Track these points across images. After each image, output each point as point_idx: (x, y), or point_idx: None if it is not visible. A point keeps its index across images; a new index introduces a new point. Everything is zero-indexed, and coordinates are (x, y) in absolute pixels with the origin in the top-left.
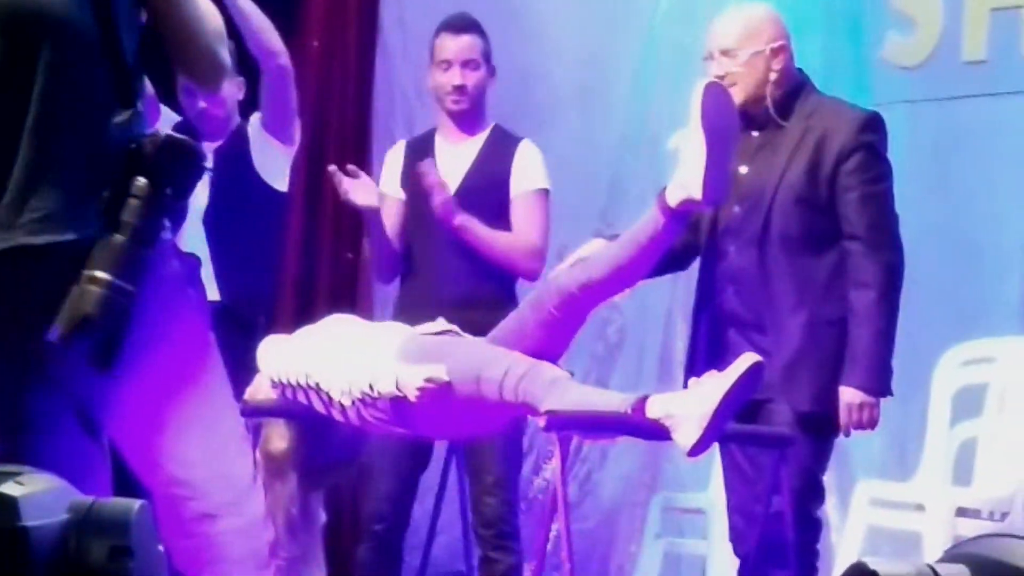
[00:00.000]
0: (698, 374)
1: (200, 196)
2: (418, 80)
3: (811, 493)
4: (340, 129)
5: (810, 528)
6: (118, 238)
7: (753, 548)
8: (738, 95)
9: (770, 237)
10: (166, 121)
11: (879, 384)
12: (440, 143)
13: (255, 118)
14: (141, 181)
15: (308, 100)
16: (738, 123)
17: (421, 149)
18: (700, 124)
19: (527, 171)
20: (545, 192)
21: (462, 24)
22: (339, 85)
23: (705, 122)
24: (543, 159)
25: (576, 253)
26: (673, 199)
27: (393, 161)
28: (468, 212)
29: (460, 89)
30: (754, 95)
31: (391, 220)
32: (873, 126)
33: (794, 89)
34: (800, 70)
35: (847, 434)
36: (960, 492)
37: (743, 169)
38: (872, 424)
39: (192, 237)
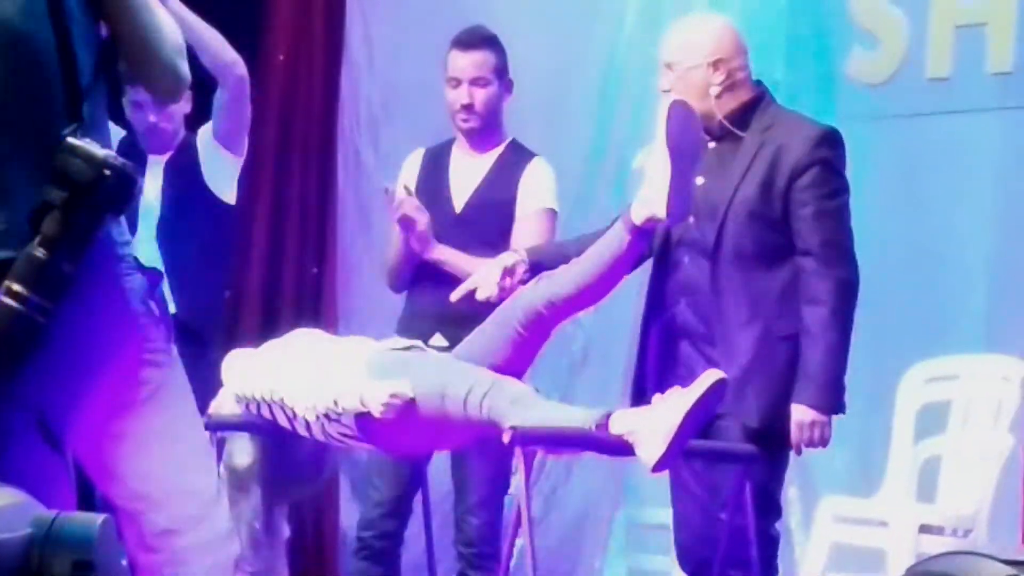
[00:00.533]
0: (647, 386)
1: (152, 210)
2: (384, 95)
3: (766, 509)
4: (305, 143)
5: (767, 544)
6: (36, 251)
7: (699, 563)
8: None
9: (723, 250)
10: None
11: (830, 401)
12: (456, 155)
13: (205, 129)
14: (58, 193)
15: (273, 113)
16: (702, 141)
17: (438, 159)
18: (665, 142)
19: (534, 190)
20: (551, 212)
21: (471, 40)
22: (304, 99)
23: (670, 140)
24: (554, 178)
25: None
26: (638, 217)
27: (410, 168)
28: (475, 228)
29: (468, 108)
30: (696, 108)
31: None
32: (830, 142)
33: (750, 101)
34: (759, 82)
35: (798, 452)
36: (924, 509)
37: (699, 180)
38: (823, 442)
39: (147, 251)
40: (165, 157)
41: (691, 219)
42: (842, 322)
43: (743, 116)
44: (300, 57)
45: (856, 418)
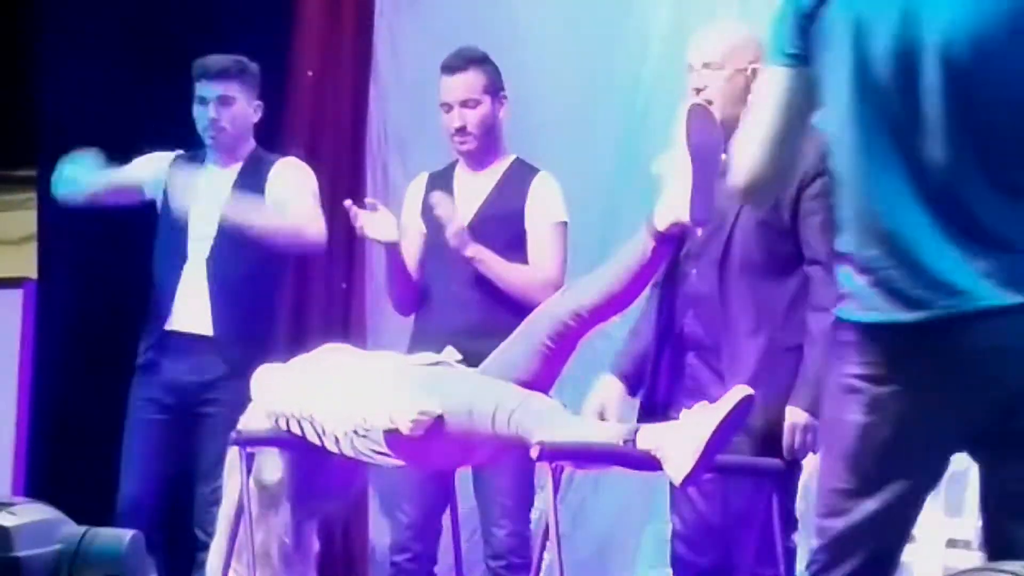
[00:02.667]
0: (659, 399)
1: (205, 234)
2: (412, 111)
3: (782, 522)
4: (334, 159)
5: (787, 557)
6: None
7: (697, 573)
8: (715, 112)
9: (731, 260)
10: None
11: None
12: (459, 175)
13: (288, 167)
14: None
15: (302, 130)
16: (723, 143)
17: (441, 181)
18: (686, 145)
19: (543, 204)
20: (563, 225)
21: (458, 63)
22: (333, 115)
23: (691, 144)
24: (560, 191)
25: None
26: (661, 222)
27: (414, 193)
28: (483, 242)
29: (461, 131)
30: (731, 114)
31: (412, 252)
32: None
33: None
34: None
35: (790, 455)
36: (951, 523)
37: None
38: (815, 447)
39: (193, 275)
40: (230, 170)
41: (699, 231)
42: None
43: None
44: (328, 73)
45: None
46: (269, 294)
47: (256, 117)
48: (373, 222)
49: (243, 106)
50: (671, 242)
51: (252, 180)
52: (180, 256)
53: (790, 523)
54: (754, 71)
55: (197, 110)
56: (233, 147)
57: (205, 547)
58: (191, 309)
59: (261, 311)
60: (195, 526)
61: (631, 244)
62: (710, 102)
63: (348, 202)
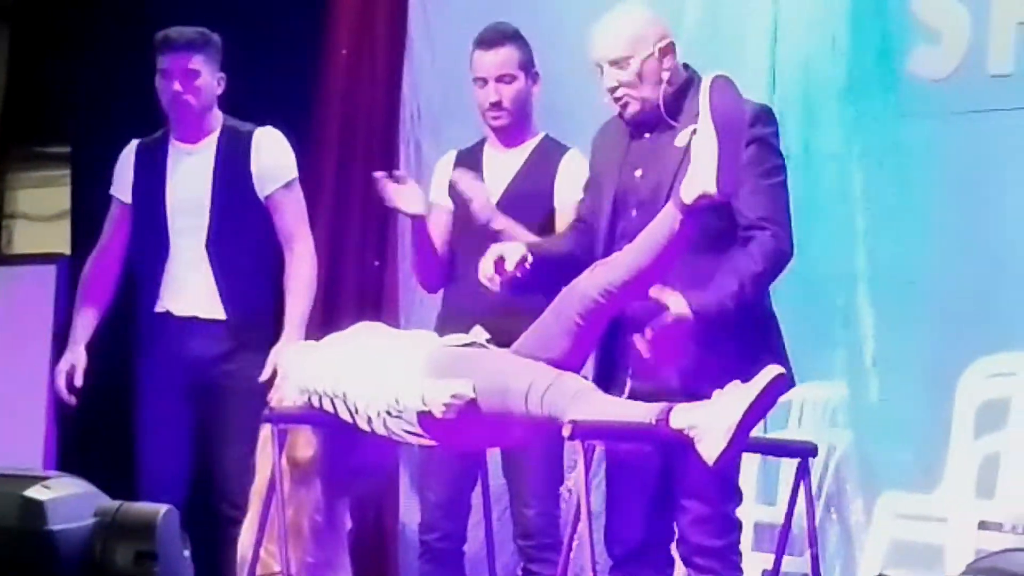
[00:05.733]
0: (604, 379)
1: (198, 222)
2: (445, 90)
3: (726, 494)
4: (367, 137)
5: (731, 530)
6: None
7: (633, 549)
8: (634, 106)
9: None
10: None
11: (708, 311)
12: (488, 152)
13: (264, 135)
14: None
15: (336, 108)
16: (747, 114)
17: (470, 159)
18: (710, 118)
19: (572, 181)
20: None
21: (493, 38)
22: (367, 93)
23: (715, 116)
24: None
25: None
26: (688, 196)
27: (443, 170)
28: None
29: (496, 105)
30: (651, 100)
31: (439, 229)
32: (764, 119)
33: (682, 87)
34: (686, 65)
35: (645, 340)
36: (983, 505)
37: (637, 173)
38: (671, 342)
39: (193, 261)
40: (202, 147)
41: (634, 212)
42: (762, 280)
43: (676, 103)
44: (363, 52)
45: (916, 414)
46: (275, 269)
47: (220, 89)
48: (401, 194)
49: (207, 78)
50: (699, 215)
51: (233, 157)
52: (161, 240)
53: (731, 493)
54: (661, 51)
55: (160, 83)
56: (198, 122)
57: (230, 521)
58: (192, 295)
59: (269, 290)
60: (221, 500)
61: (659, 219)
62: (625, 103)
63: (379, 174)
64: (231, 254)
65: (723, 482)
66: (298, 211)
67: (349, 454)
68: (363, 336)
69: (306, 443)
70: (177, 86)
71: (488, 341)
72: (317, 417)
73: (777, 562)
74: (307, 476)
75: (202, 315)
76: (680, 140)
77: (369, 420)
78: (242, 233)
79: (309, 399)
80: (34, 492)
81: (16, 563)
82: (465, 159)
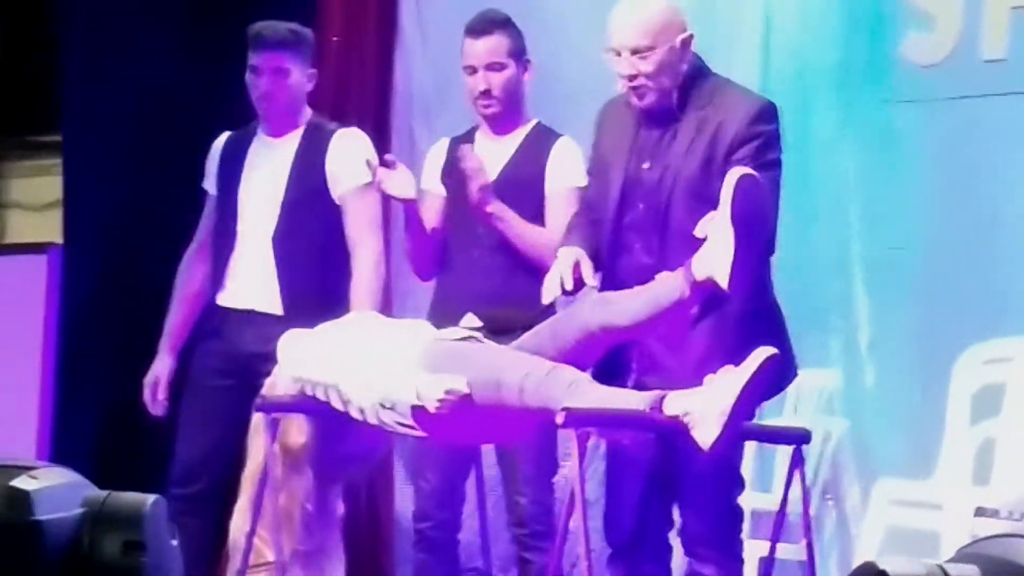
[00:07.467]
0: (609, 373)
1: (268, 214)
2: (436, 77)
3: (729, 482)
4: (359, 124)
5: (733, 519)
6: None
7: (629, 538)
8: (651, 96)
9: (670, 233)
10: None
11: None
12: (480, 140)
13: (345, 135)
14: None
15: (327, 94)
16: (771, 216)
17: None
18: (730, 215)
19: (563, 168)
20: (581, 190)
21: (483, 26)
22: (358, 80)
23: (736, 214)
24: (581, 156)
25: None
26: (699, 274)
27: (435, 157)
28: None
29: (486, 94)
30: (668, 91)
31: (431, 215)
32: (767, 116)
33: (691, 78)
34: (694, 54)
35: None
36: (979, 492)
37: (646, 166)
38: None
39: (258, 253)
40: (285, 142)
41: (641, 206)
42: None
43: (683, 94)
44: (353, 38)
45: (912, 401)
46: (338, 269)
47: (310, 86)
48: (391, 179)
49: (297, 76)
50: (704, 292)
51: (311, 154)
52: (230, 230)
53: (735, 481)
54: (682, 43)
55: (250, 79)
56: (286, 118)
57: None
58: (253, 287)
59: (330, 290)
60: None
61: (668, 280)
62: (643, 92)
63: (367, 159)
64: (297, 250)
65: (725, 470)
66: (367, 217)
67: (341, 442)
68: (357, 326)
69: (298, 430)
70: (266, 84)
71: (480, 329)
72: (310, 405)
73: (772, 549)
74: (298, 463)
75: (259, 308)
76: (686, 133)
77: (362, 411)
78: (311, 231)
79: (302, 388)
80: (21, 482)
81: (2, 553)
82: (458, 145)
